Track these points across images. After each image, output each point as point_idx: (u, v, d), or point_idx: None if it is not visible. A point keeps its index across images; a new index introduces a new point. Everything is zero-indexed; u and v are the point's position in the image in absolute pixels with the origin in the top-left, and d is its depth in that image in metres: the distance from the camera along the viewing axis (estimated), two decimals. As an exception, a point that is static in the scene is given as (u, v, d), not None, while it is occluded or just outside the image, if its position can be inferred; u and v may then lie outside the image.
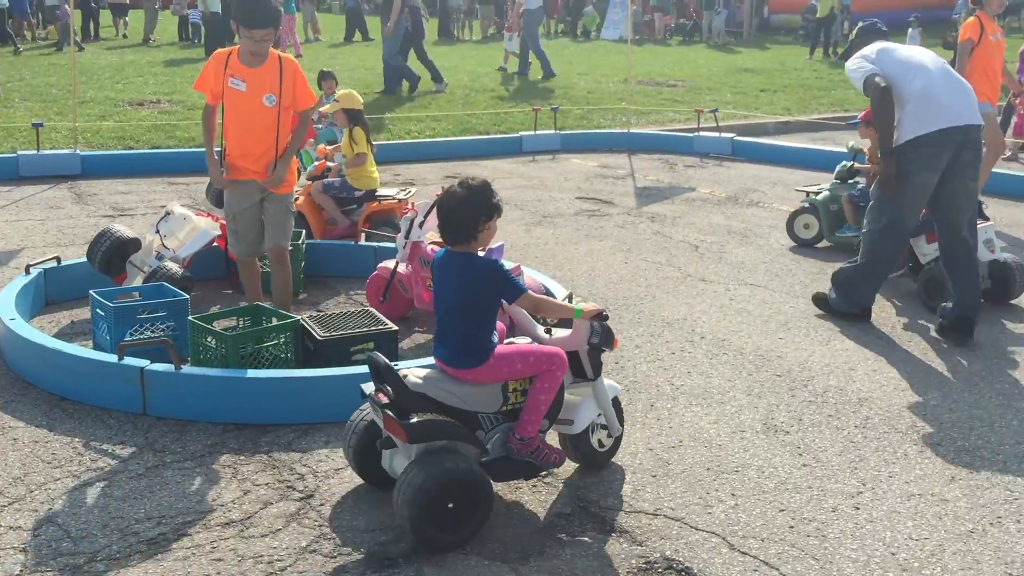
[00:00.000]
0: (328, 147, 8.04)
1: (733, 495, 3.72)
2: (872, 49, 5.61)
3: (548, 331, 3.78)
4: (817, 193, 7.47)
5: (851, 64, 5.64)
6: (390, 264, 5.72)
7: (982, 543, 3.39)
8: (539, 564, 3.28)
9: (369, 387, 3.54)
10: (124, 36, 23.26)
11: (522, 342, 3.67)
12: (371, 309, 5.19)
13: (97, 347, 5.03)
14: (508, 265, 5.52)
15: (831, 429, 4.31)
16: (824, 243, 7.38)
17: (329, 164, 7.59)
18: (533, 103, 13.46)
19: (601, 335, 3.71)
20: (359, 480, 3.80)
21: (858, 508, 3.62)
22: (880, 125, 5.43)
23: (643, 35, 26.53)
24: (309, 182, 7.32)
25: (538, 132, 12.09)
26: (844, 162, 7.51)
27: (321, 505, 3.63)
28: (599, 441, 3.87)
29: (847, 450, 4.10)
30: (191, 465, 3.93)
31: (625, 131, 12.62)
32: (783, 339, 5.46)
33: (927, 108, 5.29)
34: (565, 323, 3.79)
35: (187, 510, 3.58)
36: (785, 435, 4.25)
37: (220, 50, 5.10)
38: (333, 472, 3.88)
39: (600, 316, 3.66)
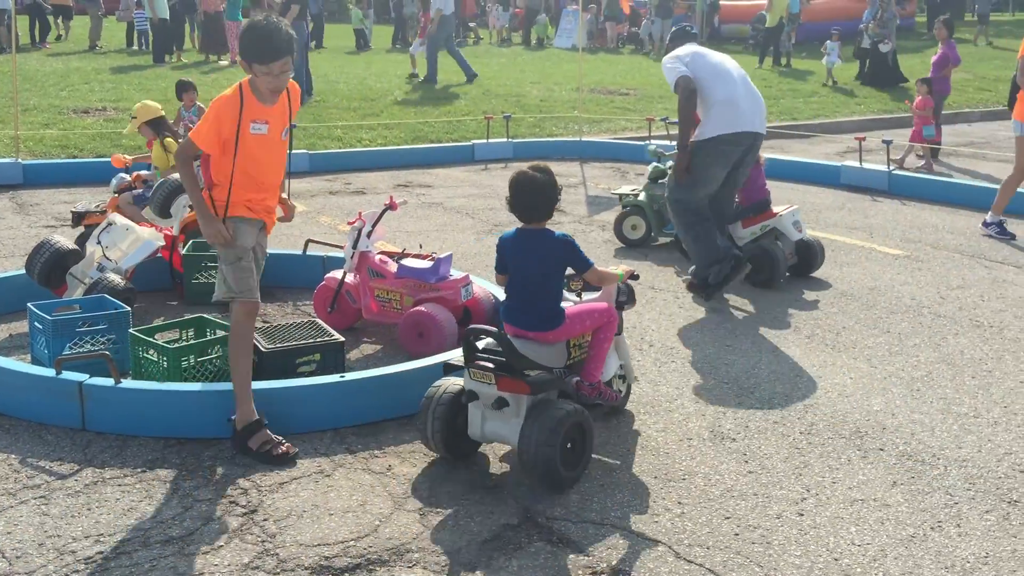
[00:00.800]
0: (128, 157, 7.58)
1: (680, 503, 3.73)
2: (687, 52, 6.31)
3: (579, 294, 4.37)
4: (634, 195, 7.70)
5: (667, 62, 6.31)
6: (338, 274, 5.67)
7: (923, 547, 3.43)
8: (486, 575, 3.26)
9: (456, 360, 4.07)
10: (59, 38, 22.73)
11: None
12: (318, 320, 5.14)
13: (35, 361, 4.92)
14: (457, 275, 5.53)
15: (776, 436, 4.34)
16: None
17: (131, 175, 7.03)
18: (486, 111, 13.47)
19: (628, 294, 4.43)
20: (304, 494, 3.75)
21: (802, 514, 3.65)
22: (682, 122, 6.22)
23: (595, 43, 26.67)
24: (116, 194, 6.89)
25: (491, 140, 12.10)
26: (655, 164, 7.71)
27: (264, 520, 3.58)
28: (618, 389, 4.39)
29: (792, 456, 4.14)
30: (131, 481, 3.84)
31: (577, 139, 12.67)
32: (730, 346, 5.50)
33: (730, 112, 6.07)
34: (591, 289, 4.37)
35: (126, 527, 3.50)
36: (732, 442, 4.27)
37: (225, 95, 4.06)
38: (277, 486, 3.82)
39: (632, 276, 4.30)
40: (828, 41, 18.46)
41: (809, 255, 6.86)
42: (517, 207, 3.98)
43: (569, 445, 3.80)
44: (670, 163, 7.20)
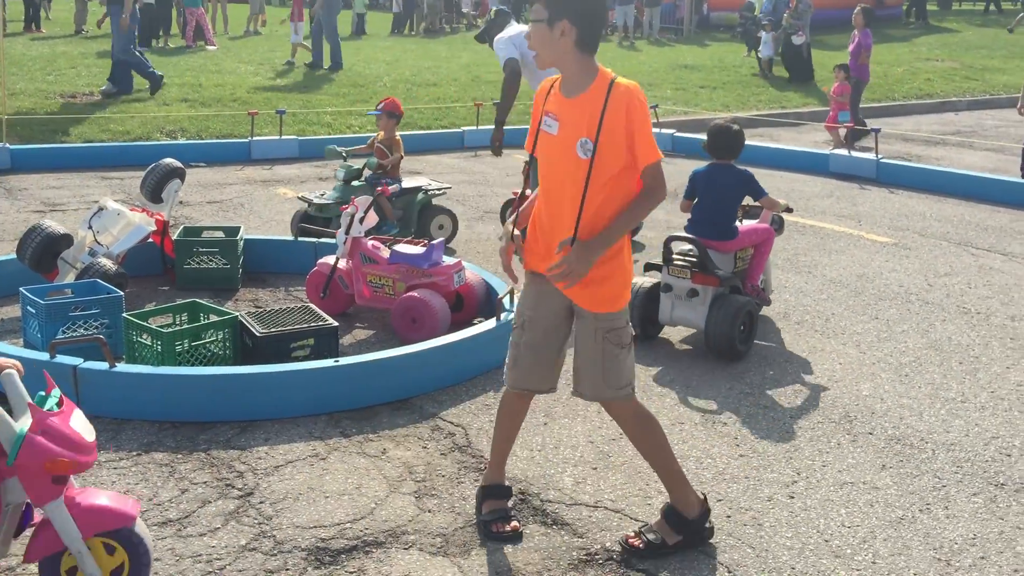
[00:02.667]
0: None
1: (672, 486, 3.77)
2: (517, 32, 6.78)
3: (740, 220, 5.49)
4: (321, 198, 6.91)
5: (499, 44, 6.82)
6: (330, 260, 5.68)
7: (912, 529, 3.49)
8: (480, 558, 3.29)
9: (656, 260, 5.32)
10: (34, 26, 22.45)
11: None
12: (311, 305, 5.15)
13: (28, 345, 4.92)
14: (449, 261, 5.54)
15: (767, 420, 4.39)
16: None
17: None
18: (475, 98, 13.45)
19: (779, 223, 5.72)
20: (300, 477, 3.77)
21: (793, 497, 3.70)
22: (502, 100, 6.94)
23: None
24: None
25: (480, 127, 12.08)
26: (346, 165, 7.05)
27: (261, 503, 3.60)
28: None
29: (782, 440, 4.19)
30: (127, 464, 3.86)
31: (567, 126, 12.66)
32: (721, 332, 5.55)
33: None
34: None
35: (122, 510, 3.51)
36: (723, 426, 4.32)
37: (545, 80, 3.34)
38: (273, 469, 3.84)
39: (788, 209, 5.43)
40: (762, 32, 17.98)
41: None
42: (712, 147, 5.35)
43: (742, 328, 5.02)
44: (363, 161, 6.98)
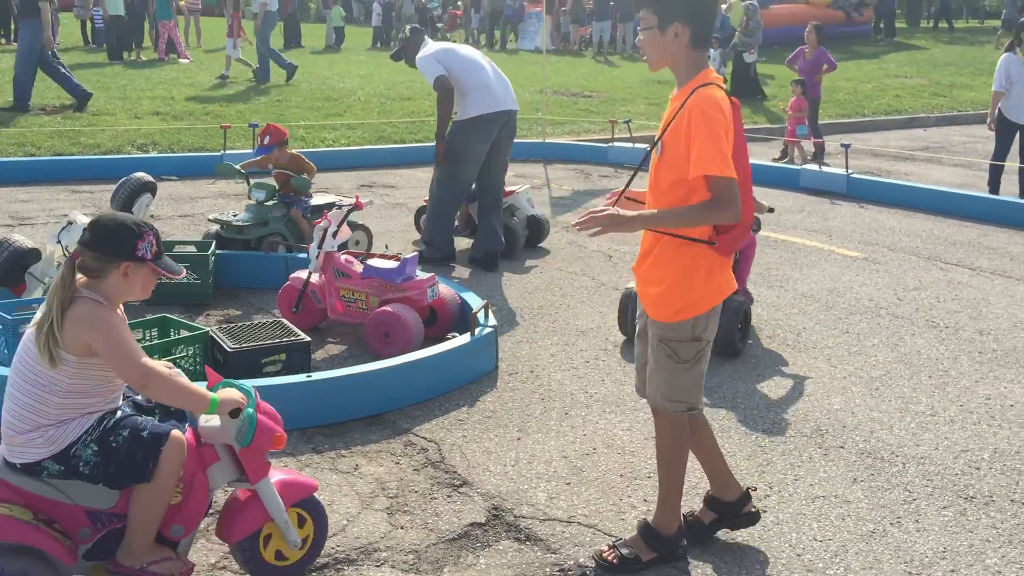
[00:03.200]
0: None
1: (645, 501, 3.77)
2: (439, 49, 7.08)
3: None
4: (236, 219, 6.76)
5: (423, 62, 6.97)
6: (303, 274, 5.65)
7: (883, 543, 3.51)
8: (453, 574, 3.27)
9: None
10: (3, 40, 22.32)
11: None
12: (283, 320, 5.11)
13: (-6, 361, 4.84)
14: (423, 275, 5.54)
15: (739, 434, 4.40)
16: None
17: None
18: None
19: (757, 224, 5.55)
20: (270, 494, 3.74)
21: (765, 511, 3.71)
22: (440, 116, 7.00)
23: (558, 46, 26.76)
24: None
25: (454, 141, 12.10)
26: (266, 185, 6.91)
27: (231, 520, 3.55)
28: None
29: (755, 454, 4.20)
30: (94, 482, 3.80)
31: (541, 141, 12.72)
32: (694, 346, 5.57)
33: (487, 95, 6.91)
34: None
35: (90, 529, 3.46)
36: (696, 441, 4.32)
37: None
38: (243, 486, 3.80)
39: (769, 209, 5.44)
40: (711, 51, 18.09)
41: (537, 228, 7.72)
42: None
43: (739, 326, 5.29)
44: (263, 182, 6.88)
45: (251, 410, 2.95)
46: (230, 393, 2.95)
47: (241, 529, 3.05)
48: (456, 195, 7.13)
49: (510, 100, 7.06)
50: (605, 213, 2.99)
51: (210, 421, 2.99)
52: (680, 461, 3.33)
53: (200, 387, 2.93)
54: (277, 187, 6.98)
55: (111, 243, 2.82)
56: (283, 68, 16.93)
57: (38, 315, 2.80)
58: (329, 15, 26.23)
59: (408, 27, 7.49)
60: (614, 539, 3.42)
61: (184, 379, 2.93)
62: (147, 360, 2.82)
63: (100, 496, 2.86)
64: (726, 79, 17.72)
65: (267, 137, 7.17)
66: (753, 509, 3.48)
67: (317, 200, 7.11)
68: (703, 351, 3.18)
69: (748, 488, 3.52)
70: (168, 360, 4.49)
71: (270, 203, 6.87)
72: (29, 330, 2.81)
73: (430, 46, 7.12)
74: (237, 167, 7.08)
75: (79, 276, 2.83)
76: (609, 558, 3.30)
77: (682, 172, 3.01)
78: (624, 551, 3.31)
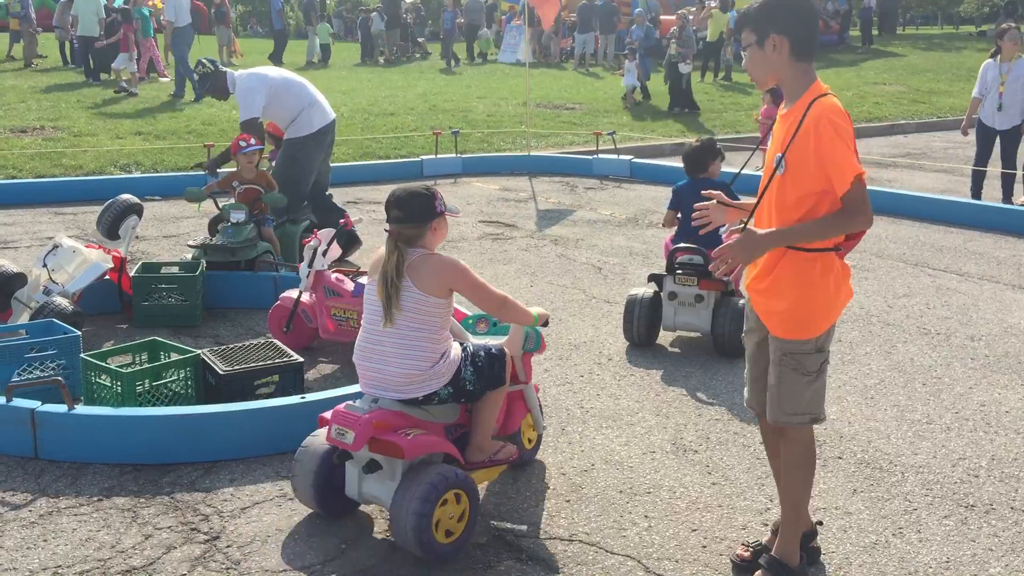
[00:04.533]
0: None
1: (646, 517, 3.75)
2: (260, 75, 7.37)
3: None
4: (213, 241, 6.69)
5: (243, 95, 7.19)
6: (293, 294, 5.60)
7: (886, 554, 3.49)
8: (456, 597, 3.23)
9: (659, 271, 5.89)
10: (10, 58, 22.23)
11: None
12: (275, 340, 5.07)
13: (-18, 389, 4.77)
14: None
15: (738, 447, 4.39)
16: None
17: None
18: (434, 127, 13.46)
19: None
20: (267, 519, 3.69)
21: (766, 524, 3.69)
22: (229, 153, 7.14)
23: (539, 58, 26.82)
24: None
25: (439, 156, 12.09)
26: (239, 206, 6.74)
27: (228, 547, 3.51)
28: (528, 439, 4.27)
29: (754, 467, 4.18)
30: (88, 510, 3.74)
31: (526, 154, 12.72)
32: (687, 359, 5.56)
33: (320, 109, 7.41)
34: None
35: (85, 558, 3.41)
36: (694, 454, 4.31)
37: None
38: (239, 511, 3.75)
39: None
40: (626, 62, 17.44)
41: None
42: (693, 165, 5.86)
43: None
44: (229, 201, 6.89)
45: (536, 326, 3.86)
46: (538, 310, 3.82)
47: (515, 422, 3.99)
48: (300, 204, 7.49)
49: (331, 110, 7.62)
50: (734, 244, 2.97)
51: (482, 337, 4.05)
52: (809, 478, 3.26)
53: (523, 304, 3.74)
54: (248, 206, 6.73)
55: (420, 211, 3.48)
56: (195, 91, 16.58)
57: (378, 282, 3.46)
58: (314, 31, 26.14)
59: (202, 63, 7.49)
60: None
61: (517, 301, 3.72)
62: (498, 290, 3.63)
63: (450, 413, 3.66)
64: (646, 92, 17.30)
65: (247, 142, 6.87)
66: (816, 545, 3.44)
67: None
68: (827, 360, 3.18)
69: (816, 522, 3.48)
70: (159, 384, 4.45)
71: (248, 223, 6.70)
72: (376, 302, 3.48)
73: (254, 74, 7.35)
74: (202, 191, 6.91)
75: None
76: None
77: (810, 186, 3.00)
78: None
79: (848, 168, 2.91)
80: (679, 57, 16.61)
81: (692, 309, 5.62)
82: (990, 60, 9.77)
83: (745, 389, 3.42)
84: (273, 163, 7.57)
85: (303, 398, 4.37)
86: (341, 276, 5.66)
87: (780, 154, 3.03)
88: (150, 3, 19.17)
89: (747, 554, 3.38)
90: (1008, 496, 3.92)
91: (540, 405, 4.12)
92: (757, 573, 3.28)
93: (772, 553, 3.29)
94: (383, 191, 10.84)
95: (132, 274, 6.08)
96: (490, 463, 3.73)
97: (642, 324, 5.67)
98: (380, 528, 3.65)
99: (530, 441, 4.13)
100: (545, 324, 3.84)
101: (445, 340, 3.56)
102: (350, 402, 3.56)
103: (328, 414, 3.56)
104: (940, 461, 4.23)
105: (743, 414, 4.74)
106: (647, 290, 5.78)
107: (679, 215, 5.75)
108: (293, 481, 3.68)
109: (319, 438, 3.67)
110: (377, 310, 3.49)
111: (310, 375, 5.22)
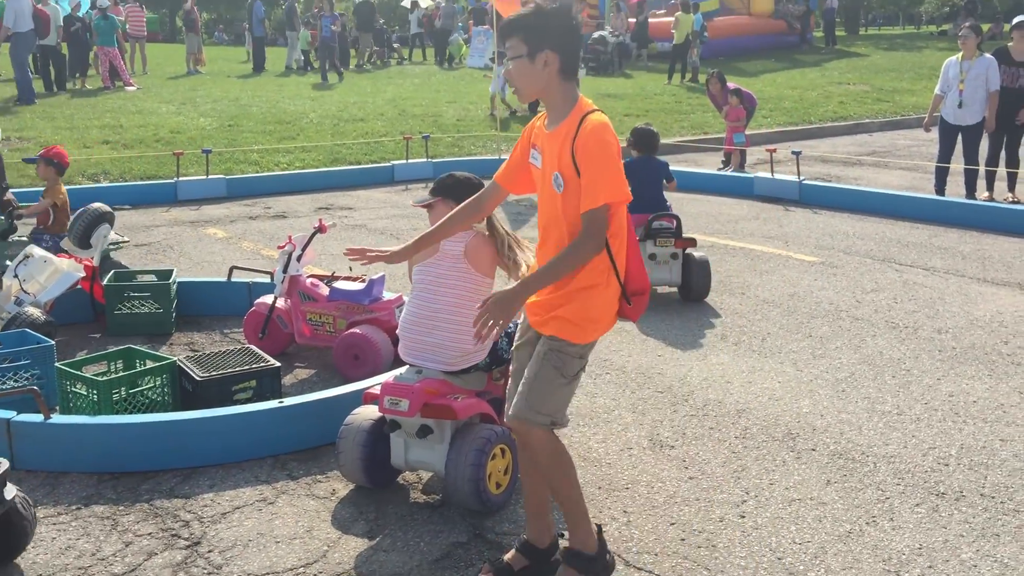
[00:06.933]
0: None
1: (625, 512, 3.79)
2: None
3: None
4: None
5: None
6: (268, 299, 5.60)
7: (860, 542, 3.56)
8: (439, 595, 3.25)
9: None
10: None
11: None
12: (251, 346, 5.06)
13: (-46, 400, 4.73)
14: (390, 296, 5.52)
15: (713, 441, 4.45)
16: None
17: None
18: (404, 132, 13.46)
19: None
20: (248, 523, 3.70)
21: (743, 516, 3.75)
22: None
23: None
24: None
25: (410, 161, 12.10)
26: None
27: (209, 552, 3.51)
28: None
29: (729, 461, 4.24)
30: (67, 519, 3.73)
31: (497, 158, 12.76)
32: (662, 356, 5.62)
33: None
34: None
35: (66, 566, 3.40)
36: (671, 450, 4.36)
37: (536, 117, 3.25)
38: (220, 516, 3.75)
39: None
40: (495, 65, 16.22)
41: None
42: (641, 144, 7.01)
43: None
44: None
45: None
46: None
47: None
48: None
49: None
50: (491, 307, 2.90)
51: None
52: (570, 472, 3.16)
53: None
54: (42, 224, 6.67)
55: (467, 194, 3.63)
56: (24, 96, 16.17)
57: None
58: (296, 37, 25.95)
59: None
60: None
61: None
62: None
63: (480, 381, 3.94)
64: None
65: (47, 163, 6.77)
66: (559, 557, 3.30)
67: None
68: (583, 370, 3.14)
69: (558, 534, 3.43)
70: (135, 391, 4.44)
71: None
72: (426, 273, 3.84)
73: None
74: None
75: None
76: None
77: None
78: None
79: (604, 189, 2.89)
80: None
81: (665, 266, 6.67)
82: (952, 58, 9.95)
83: (508, 406, 3.19)
84: None
85: (281, 402, 4.37)
86: (316, 281, 5.66)
87: (557, 172, 3.00)
88: (120, 15, 19.01)
89: (490, 574, 3.28)
90: (977, 484, 4.00)
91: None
92: (559, 570, 3.22)
93: (568, 546, 3.23)
94: (354, 197, 10.85)
95: (104, 283, 6.04)
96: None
97: (362, 457, 5.40)
98: (361, 529, 3.66)
99: (498, 486, 3.80)
100: None
101: None
102: (398, 373, 3.90)
103: (376, 388, 3.89)
104: (911, 451, 4.32)
105: (718, 409, 4.81)
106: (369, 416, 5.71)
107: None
108: (339, 458, 3.91)
109: (359, 416, 3.95)
110: (429, 287, 3.83)
111: (287, 380, 5.22)
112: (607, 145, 2.93)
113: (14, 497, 3.30)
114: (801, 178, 10.48)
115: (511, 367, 3.36)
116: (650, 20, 26.46)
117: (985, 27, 33.59)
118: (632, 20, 26.50)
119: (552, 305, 3.08)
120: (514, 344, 3.34)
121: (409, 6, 31.52)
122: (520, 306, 3.04)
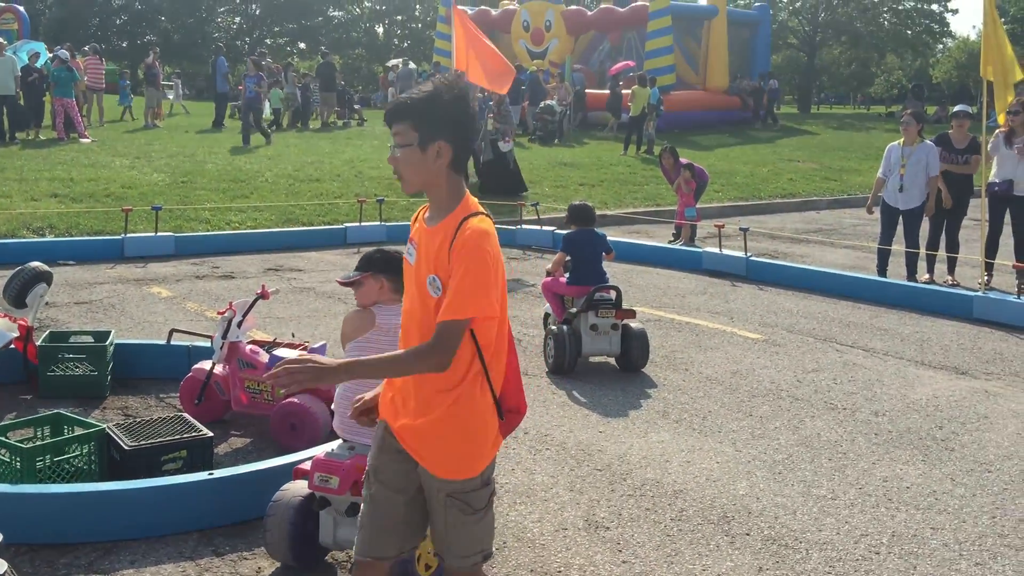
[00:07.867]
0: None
1: (556, 596, 3.74)
2: None
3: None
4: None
5: None
6: (206, 365, 5.52)
7: (789, 632, 3.54)
8: None
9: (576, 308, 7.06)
10: None
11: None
12: (184, 414, 4.97)
13: None
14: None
15: (649, 523, 4.43)
16: None
17: None
18: (358, 194, 13.48)
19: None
20: (168, 602, 3.59)
21: (675, 603, 3.72)
22: None
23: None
24: None
25: (363, 223, 12.10)
26: None
27: (125, 632, 3.39)
28: None
29: (664, 544, 4.22)
30: (-24, 595, 3.59)
31: (449, 223, 12.79)
32: (603, 432, 5.61)
33: None
34: None
35: (-30, 647, 3.26)
36: (606, 531, 4.33)
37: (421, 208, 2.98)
38: (139, 594, 3.64)
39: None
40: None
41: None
42: (579, 218, 7.23)
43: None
44: None
45: None
46: None
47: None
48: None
49: None
50: (305, 369, 2.63)
51: None
52: None
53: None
54: None
55: (395, 270, 3.75)
56: None
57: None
58: (266, 94, 25.89)
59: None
60: None
61: None
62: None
63: None
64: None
65: None
66: None
67: None
68: (494, 492, 2.88)
69: None
70: (60, 459, 4.32)
71: None
72: (362, 349, 3.81)
73: None
74: None
75: None
76: None
77: None
78: None
79: (472, 304, 2.64)
80: (497, 134, 15.17)
81: (606, 337, 6.81)
82: (894, 143, 10.25)
83: (360, 539, 2.87)
84: None
85: (211, 474, 4.28)
86: (256, 348, 5.60)
87: (434, 275, 2.72)
88: (80, 67, 18.93)
89: None
90: (907, 574, 4.02)
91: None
92: None
93: None
94: (305, 258, 10.80)
95: (38, 343, 5.92)
96: None
97: (573, 353, 6.68)
98: (285, 611, 3.57)
99: (428, 568, 3.70)
100: None
101: None
102: (329, 450, 3.82)
103: (306, 464, 3.84)
104: (843, 537, 4.33)
105: (655, 490, 4.80)
106: (565, 327, 6.79)
107: (568, 259, 7.17)
108: (266, 536, 3.84)
109: (288, 492, 3.88)
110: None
111: (221, 449, 5.13)
112: (485, 255, 2.67)
113: None
114: (748, 254, 10.65)
115: (369, 491, 2.87)
116: (587, 91, 27.24)
117: (931, 110, 34.76)
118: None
119: (421, 435, 2.77)
120: (370, 456, 2.92)
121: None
122: (330, 383, 2.76)
